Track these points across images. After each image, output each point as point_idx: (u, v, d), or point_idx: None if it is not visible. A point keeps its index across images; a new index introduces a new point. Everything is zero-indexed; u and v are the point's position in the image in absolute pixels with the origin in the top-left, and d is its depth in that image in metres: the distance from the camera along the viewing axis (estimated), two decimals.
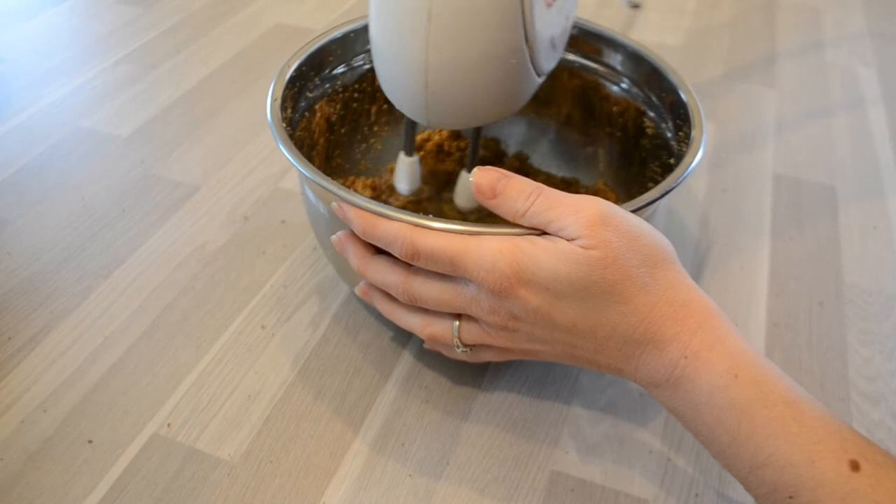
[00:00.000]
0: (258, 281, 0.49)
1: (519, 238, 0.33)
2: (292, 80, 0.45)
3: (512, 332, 0.35)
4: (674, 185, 0.38)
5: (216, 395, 0.42)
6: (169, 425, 0.41)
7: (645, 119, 0.49)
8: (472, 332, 0.37)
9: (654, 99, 0.48)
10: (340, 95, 0.51)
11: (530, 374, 0.44)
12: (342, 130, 0.52)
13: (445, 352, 0.40)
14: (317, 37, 0.48)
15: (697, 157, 0.40)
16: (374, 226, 0.35)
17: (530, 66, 0.38)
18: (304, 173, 0.38)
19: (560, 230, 0.33)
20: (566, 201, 0.33)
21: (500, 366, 0.44)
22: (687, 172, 0.39)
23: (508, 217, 0.34)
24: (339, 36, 0.49)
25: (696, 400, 0.32)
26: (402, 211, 0.35)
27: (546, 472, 0.39)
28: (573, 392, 0.43)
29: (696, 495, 0.39)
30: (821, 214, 0.57)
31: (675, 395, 0.33)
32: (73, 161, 0.59)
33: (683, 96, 0.45)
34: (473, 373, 0.44)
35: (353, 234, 0.38)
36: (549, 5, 0.37)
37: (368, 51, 0.51)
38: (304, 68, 0.46)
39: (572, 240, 0.32)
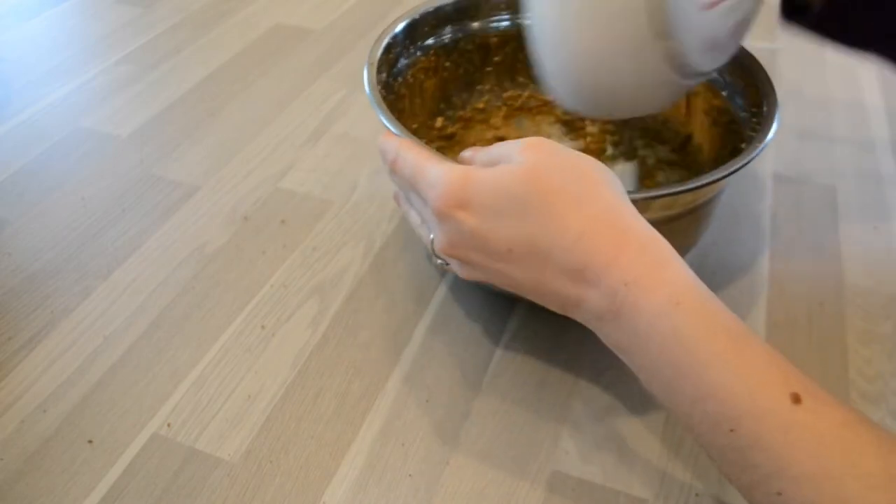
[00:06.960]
0: (258, 281, 0.49)
1: (471, 167, 0.36)
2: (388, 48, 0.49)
3: (456, 256, 0.37)
4: (742, 164, 0.41)
5: (216, 395, 0.42)
6: (169, 425, 0.41)
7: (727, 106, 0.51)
8: (439, 245, 0.38)
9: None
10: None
11: (531, 375, 0.44)
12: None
13: None
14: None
15: (770, 134, 0.43)
16: (387, 135, 0.41)
17: (667, 66, 0.40)
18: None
19: (501, 159, 0.36)
20: (510, 141, 0.37)
21: (501, 365, 0.44)
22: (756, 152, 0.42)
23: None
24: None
25: (638, 329, 0.32)
26: (407, 134, 0.41)
27: (546, 472, 0.39)
28: (573, 392, 0.43)
29: (696, 495, 0.39)
30: (821, 214, 0.57)
31: (619, 327, 0.33)
32: (72, 161, 0.59)
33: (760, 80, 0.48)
34: (474, 372, 0.44)
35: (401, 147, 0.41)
36: (710, 6, 0.38)
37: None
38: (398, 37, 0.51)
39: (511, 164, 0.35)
